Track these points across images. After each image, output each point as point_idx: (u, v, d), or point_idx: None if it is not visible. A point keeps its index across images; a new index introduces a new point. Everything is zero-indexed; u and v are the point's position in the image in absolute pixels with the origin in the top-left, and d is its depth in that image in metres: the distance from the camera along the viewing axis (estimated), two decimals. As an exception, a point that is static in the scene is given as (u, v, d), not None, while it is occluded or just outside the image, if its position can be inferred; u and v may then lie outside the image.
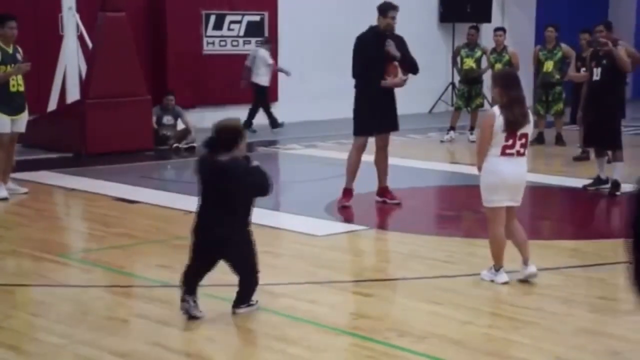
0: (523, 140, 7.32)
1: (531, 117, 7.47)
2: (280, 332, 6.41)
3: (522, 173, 7.43)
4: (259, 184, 6.53)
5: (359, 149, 10.96)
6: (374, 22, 10.87)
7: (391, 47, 10.60)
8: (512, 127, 7.25)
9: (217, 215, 6.50)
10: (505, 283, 7.37)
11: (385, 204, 11.10)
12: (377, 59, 10.64)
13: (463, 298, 7.00)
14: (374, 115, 10.76)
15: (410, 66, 10.89)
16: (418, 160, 14.55)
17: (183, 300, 6.58)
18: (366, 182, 11.51)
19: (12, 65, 11.02)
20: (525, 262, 7.46)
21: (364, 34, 10.95)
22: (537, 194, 11.76)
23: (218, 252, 6.60)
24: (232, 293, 7.16)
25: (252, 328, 6.49)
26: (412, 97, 20.55)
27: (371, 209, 11.09)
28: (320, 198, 11.48)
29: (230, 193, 6.48)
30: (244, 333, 6.39)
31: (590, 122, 12.09)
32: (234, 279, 7.58)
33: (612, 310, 7.13)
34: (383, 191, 11.21)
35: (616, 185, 11.74)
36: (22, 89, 11.17)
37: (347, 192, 10.98)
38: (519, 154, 7.34)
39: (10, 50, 11.12)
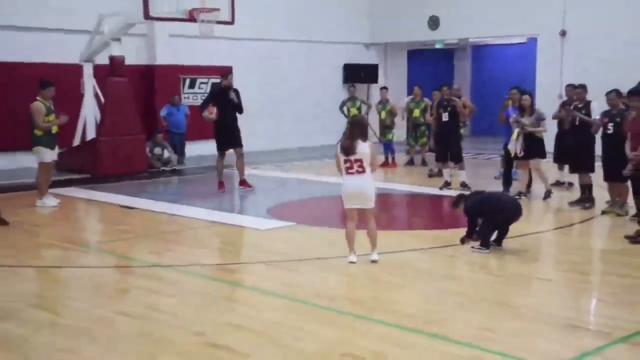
0: (359, 163, 7.02)
1: (359, 149, 6.95)
2: (232, 294, 6.33)
3: (362, 186, 7.08)
4: None
5: (223, 157, 12.07)
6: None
7: (233, 97, 11.78)
8: (343, 152, 7.06)
9: None
10: (352, 262, 7.15)
11: (246, 191, 11.98)
12: (224, 104, 11.76)
13: (354, 268, 6.92)
14: (225, 136, 11.88)
15: (240, 109, 11.96)
16: (326, 176, 13.65)
17: None
18: (296, 193, 11.69)
19: (53, 114, 10.97)
20: (372, 250, 7.29)
21: (216, 87, 12.78)
22: (404, 199, 11.49)
23: None
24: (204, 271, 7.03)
25: (210, 293, 6.31)
26: (324, 132, 19.58)
27: (298, 211, 10.59)
28: (264, 203, 11.12)
29: None
30: (203, 299, 6.12)
31: (443, 147, 12.27)
32: (197, 258, 7.39)
33: (459, 275, 7.04)
34: (242, 182, 12.21)
35: (465, 184, 12.07)
36: (56, 130, 11.12)
37: (221, 184, 12.13)
38: (358, 172, 7.05)
39: (49, 104, 11.03)
